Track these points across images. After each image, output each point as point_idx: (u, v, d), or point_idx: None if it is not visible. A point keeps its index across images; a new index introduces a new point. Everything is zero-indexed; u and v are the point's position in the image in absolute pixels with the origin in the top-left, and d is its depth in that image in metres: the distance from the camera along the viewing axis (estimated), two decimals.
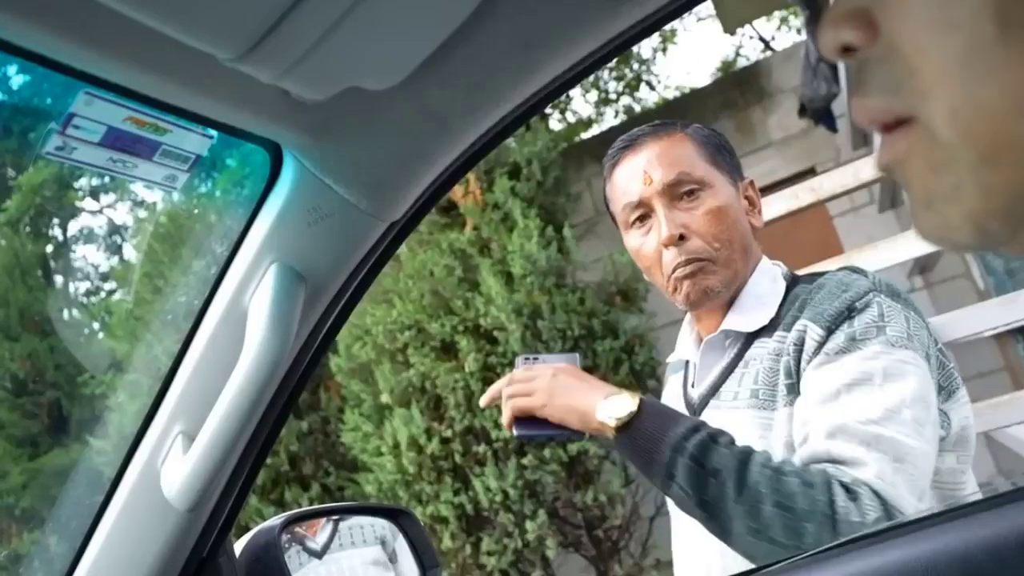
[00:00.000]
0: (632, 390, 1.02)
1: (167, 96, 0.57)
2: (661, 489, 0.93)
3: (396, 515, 1.25)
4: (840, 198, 4.22)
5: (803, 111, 4.94)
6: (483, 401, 1.08)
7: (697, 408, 1.10)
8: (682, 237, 1.04)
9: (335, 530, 1.27)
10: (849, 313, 0.96)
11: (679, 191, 1.05)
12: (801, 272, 1.14)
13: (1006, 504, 0.74)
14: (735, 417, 1.02)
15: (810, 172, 5.69)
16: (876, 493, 0.85)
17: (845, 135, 5.25)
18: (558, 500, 4.26)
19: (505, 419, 1.02)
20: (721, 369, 1.08)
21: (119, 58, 0.52)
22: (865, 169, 2.59)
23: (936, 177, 0.30)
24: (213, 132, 0.65)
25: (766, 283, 1.08)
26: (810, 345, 0.96)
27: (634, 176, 1.08)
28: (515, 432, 1.01)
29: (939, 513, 0.81)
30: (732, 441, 0.92)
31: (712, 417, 1.04)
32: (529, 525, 4.11)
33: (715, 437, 0.91)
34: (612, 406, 0.94)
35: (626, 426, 0.93)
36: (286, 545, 1.24)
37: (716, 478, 0.88)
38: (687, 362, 1.18)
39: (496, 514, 4.20)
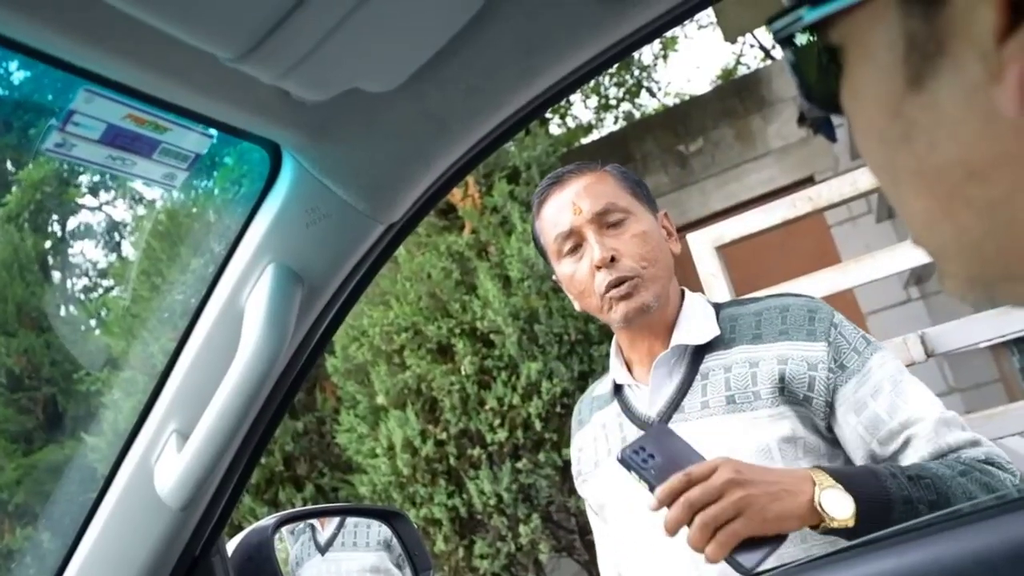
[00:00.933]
0: None
1: (167, 95, 0.57)
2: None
3: (390, 517, 1.25)
4: (838, 207, 4.22)
5: (802, 120, 4.95)
6: (670, 529, 0.90)
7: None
8: (613, 259, 1.13)
9: (341, 526, 1.27)
10: (834, 329, 1.10)
11: (607, 220, 1.15)
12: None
13: (995, 516, 0.74)
14: (708, 424, 1.09)
15: (808, 181, 5.70)
16: (997, 457, 1.02)
17: (844, 144, 5.26)
18: (552, 504, 4.26)
19: (715, 554, 0.87)
20: (677, 385, 1.15)
21: (120, 56, 0.52)
22: (863, 179, 2.60)
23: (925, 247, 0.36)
24: (213, 131, 0.65)
25: (698, 304, 1.20)
26: (814, 357, 1.08)
27: (564, 208, 1.17)
28: (742, 570, 0.86)
29: (928, 524, 0.81)
30: (909, 472, 0.96)
31: (680, 429, 1.08)
32: (523, 529, 4.11)
33: (909, 476, 0.95)
34: (836, 508, 0.90)
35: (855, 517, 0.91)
36: (296, 534, 1.24)
37: (937, 508, 0.93)
38: (620, 388, 1.23)
39: (490, 517, 4.20)
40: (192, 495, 0.77)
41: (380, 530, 1.25)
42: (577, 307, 1.22)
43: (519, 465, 4.13)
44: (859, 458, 1.07)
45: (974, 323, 2.57)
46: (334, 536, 1.26)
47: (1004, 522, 0.73)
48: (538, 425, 4.07)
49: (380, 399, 4.41)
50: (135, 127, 0.60)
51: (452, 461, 4.22)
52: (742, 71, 10.78)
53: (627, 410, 1.20)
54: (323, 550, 1.26)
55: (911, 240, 0.35)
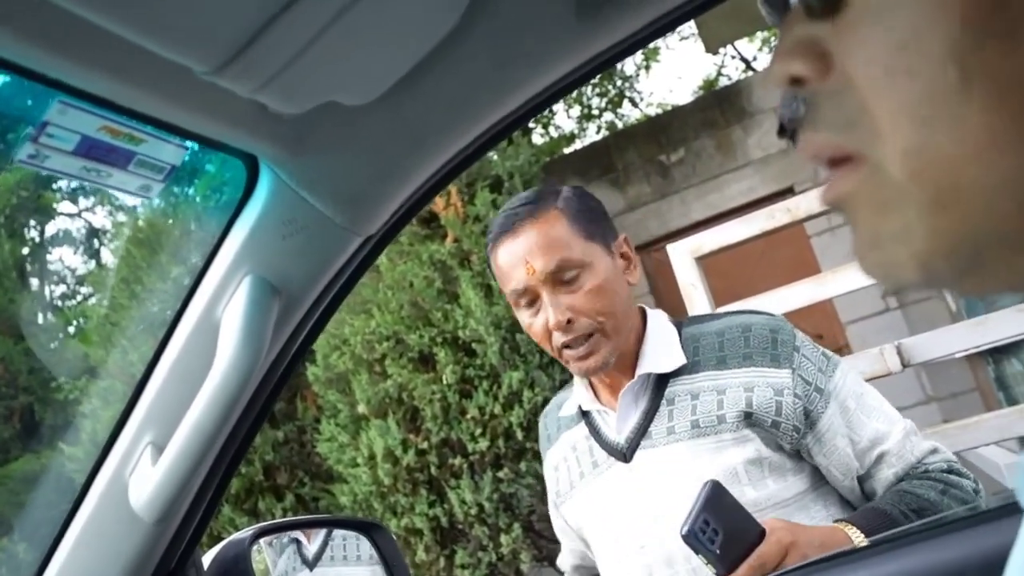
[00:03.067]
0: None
1: (143, 107, 0.56)
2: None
3: (369, 529, 1.24)
4: (817, 218, 4.26)
5: (782, 131, 4.97)
6: None
7: (627, 450, 1.15)
8: (569, 321, 1.11)
9: (327, 540, 1.26)
10: (796, 352, 1.10)
11: (561, 277, 1.11)
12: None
13: (964, 528, 0.75)
14: (675, 450, 1.10)
15: (788, 191, 5.75)
16: (952, 462, 1.11)
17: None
18: (533, 514, 4.25)
19: None
20: (643, 412, 1.15)
21: (95, 69, 0.52)
22: None
23: (883, 217, 0.30)
24: (189, 143, 0.65)
25: (661, 330, 1.18)
26: (779, 383, 1.08)
27: (516, 265, 1.13)
28: None
29: (898, 538, 0.81)
30: (908, 504, 1.04)
31: (648, 456, 1.12)
32: (504, 538, 4.10)
33: (915, 511, 1.02)
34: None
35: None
36: (281, 548, 1.23)
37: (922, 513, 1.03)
38: (586, 413, 1.22)
39: (471, 527, 4.18)
40: (167, 509, 0.76)
41: (367, 543, 1.24)
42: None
43: (500, 474, 4.12)
44: (848, 479, 1.10)
45: (951, 333, 2.60)
46: (321, 550, 1.25)
47: (975, 533, 0.74)
48: (519, 434, 4.07)
49: (361, 408, 4.39)
50: (110, 139, 0.60)
51: (433, 470, 4.21)
52: (723, 82, 10.87)
53: (596, 434, 1.20)
54: (311, 564, 1.25)
55: (913, 173, 0.28)
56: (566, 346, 1.12)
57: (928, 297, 5.21)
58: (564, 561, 1.37)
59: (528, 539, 4.21)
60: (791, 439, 1.07)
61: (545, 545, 4.34)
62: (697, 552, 0.92)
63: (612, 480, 1.16)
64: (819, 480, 1.11)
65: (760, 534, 0.93)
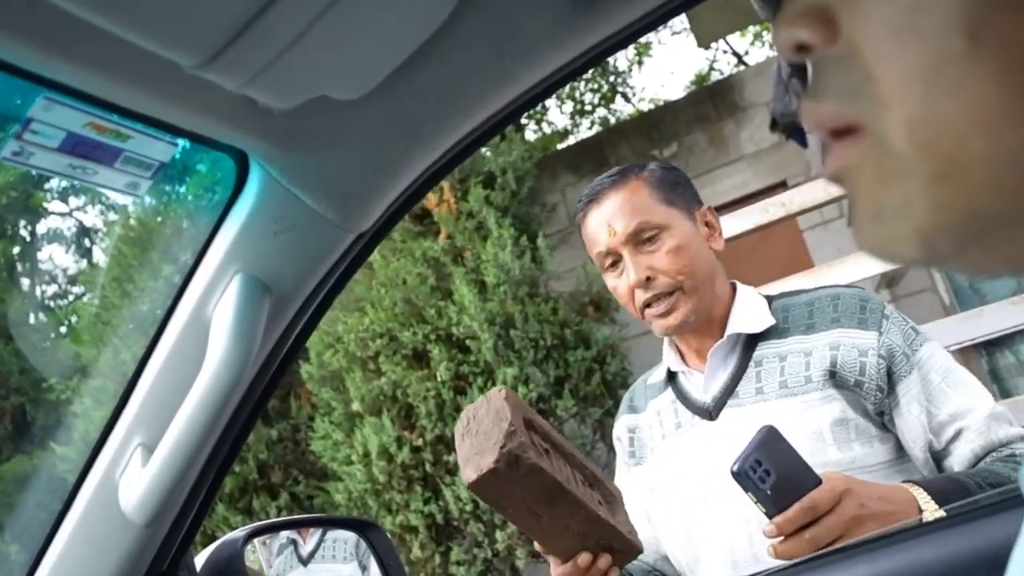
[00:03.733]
0: (603, 400, 1.05)
1: (129, 102, 0.55)
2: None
3: (362, 527, 1.23)
4: (810, 212, 4.26)
5: (774, 125, 4.98)
6: (782, 555, 0.91)
7: (713, 409, 1.18)
8: (649, 279, 1.16)
9: (322, 539, 1.27)
10: (886, 320, 1.13)
11: (641, 237, 1.17)
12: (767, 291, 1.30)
13: (964, 523, 0.75)
14: (762, 409, 1.13)
15: (781, 186, 5.75)
16: None
17: (815, 150, 5.31)
18: None
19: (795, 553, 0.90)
20: (731, 372, 1.18)
21: (80, 63, 0.51)
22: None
23: (885, 189, 0.29)
24: (177, 139, 0.63)
25: (750, 295, 1.23)
26: (865, 344, 1.10)
27: (600, 228, 1.20)
28: None
29: (898, 532, 0.81)
30: (984, 477, 0.99)
31: (734, 415, 1.15)
32: (499, 535, 4.09)
33: (992, 485, 0.97)
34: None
35: None
36: (279, 548, 1.23)
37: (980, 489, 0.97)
38: (674, 376, 1.26)
39: (466, 524, 4.18)
40: (158, 511, 0.75)
41: (359, 544, 1.24)
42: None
43: None
44: (918, 448, 1.09)
45: (944, 326, 2.60)
46: (315, 549, 1.25)
47: (972, 529, 0.73)
48: None
49: (355, 406, 4.37)
50: (96, 135, 0.58)
51: (428, 468, 4.20)
52: (715, 77, 10.87)
53: (681, 396, 1.24)
54: (305, 562, 1.26)
55: (918, 143, 0.27)
56: (647, 305, 1.17)
57: (921, 290, 5.23)
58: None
59: (523, 535, 4.21)
60: (875, 399, 1.09)
61: None
62: (747, 491, 0.91)
63: (696, 438, 1.19)
64: (906, 452, 1.12)
65: (816, 482, 0.90)
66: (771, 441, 0.92)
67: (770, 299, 1.23)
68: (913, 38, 0.26)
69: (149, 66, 0.50)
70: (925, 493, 0.94)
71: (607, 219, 1.19)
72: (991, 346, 3.11)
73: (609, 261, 1.20)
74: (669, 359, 1.27)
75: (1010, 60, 0.25)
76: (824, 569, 0.82)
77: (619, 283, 1.20)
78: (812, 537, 0.87)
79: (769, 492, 0.89)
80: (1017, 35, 0.25)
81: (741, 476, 0.90)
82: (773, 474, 0.90)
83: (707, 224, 1.24)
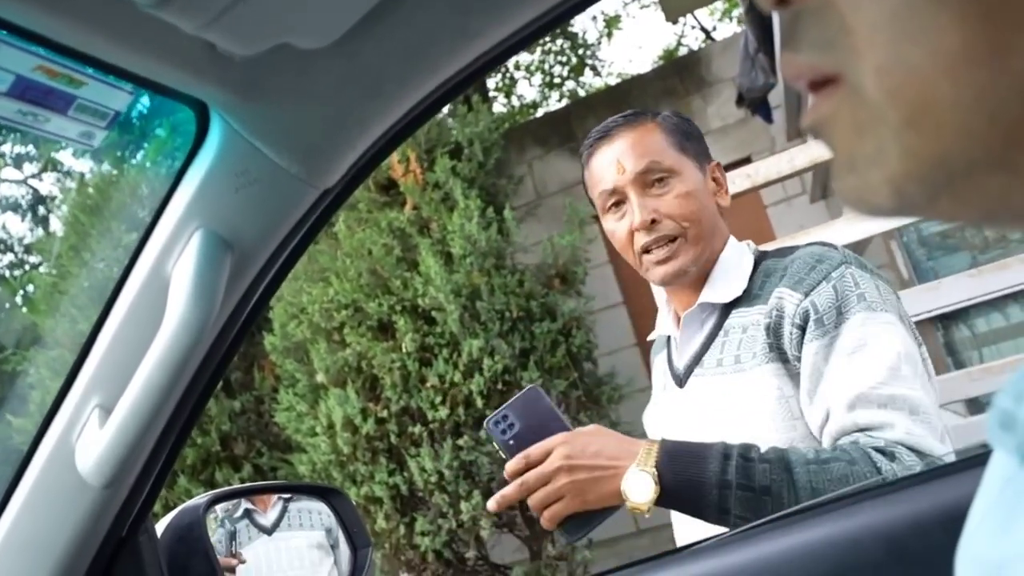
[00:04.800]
0: (568, 372, 1.05)
1: (82, 45, 0.53)
2: (718, 523, 0.94)
3: (328, 494, 1.23)
4: (773, 187, 4.29)
5: (740, 101, 5.01)
6: (492, 506, 1.02)
7: (682, 377, 1.18)
8: (654, 221, 1.13)
9: (285, 509, 1.26)
10: (826, 282, 1.03)
11: (650, 179, 1.14)
12: (767, 247, 1.25)
13: (928, 480, 0.76)
14: (720, 381, 1.10)
15: (746, 161, 5.79)
16: (910, 448, 0.94)
17: (780, 126, 5.35)
18: (493, 481, 4.27)
19: (546, 525, 0.99)
20: (702, 340, 1.16)
21: (27, 1, 0.48)
22: (799, 157, 2.64)
23: (859, 139, 0.29)
24: (134, 87, 0.61)
25: (735, 258, 1.17)
26: (790, 310, 1.04)
27: (608, 165, 1.16)
28: (565, 539, 1.01)
29: (864, 490, 0.82)
30: (760, 452, 0.95)
31: (697, 384, 1.14)
32: (464, 506, 4.11)
33: (747, 457, 0.94)
34: (635, 492, 0.94)
35: (660, 500, 0.94)
36: (237, 518, 1.22)
37: (768, 495, 0.92)
38: (668, 338, 1.27)
39: (431, 495, 4.19)
40: (116, 473, 0.73)
41: (322, 513, 1.23)
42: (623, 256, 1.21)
43: (460, 442, 4.12)
44: (814, 425, 1.03)
45: (902, 298, 2.64)
46: (279, 519, 1.24)
47: (935, 487, 0.75)
48: (480, 402, 4.07)
49: (320, 377, 4.34)
50: (47, 80, 0.56)
51: (393, 439, 4.20)
52: (683, 52, 10.87)
53: (669, 359, 1.25)
54: (270, 532, 1.25)
55: (887, 90, 0.27)
56: (646, 250, 1.14)
57: (880, 265, 5.31)
58: None
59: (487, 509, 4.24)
60: (797, 370, 1.04)
61: (505, 512, 4.38)
62: (494, 442, 1.01)
63: (668, 403, 1.21)
64: None
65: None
66: (530, 399, 1.02)
67: (760, 258, 1.18)
68: None
69: (103, 4, 0.48)
70: (656, 450, 0.95)
71: (617, 156, 1.15)
72: (947, 319, 3.18)
73: (612, 201, 1.16)
74: (662, 320, 1.27)
75: (974, 4, 0.25)
76: (787, 529, 0.83)
77: (619, 226, 1.16)
78: (522, 483, 0.97)
79: (512, 442, 1.00)
80: None
81: (488, 427, 1.01)
82: (517, 425, 1.00)
83: (715, 180, 1.21)
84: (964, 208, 0.29)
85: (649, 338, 1.34)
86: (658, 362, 1.31)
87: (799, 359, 1.03)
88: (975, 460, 0.72)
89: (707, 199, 1.17)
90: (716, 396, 1.10)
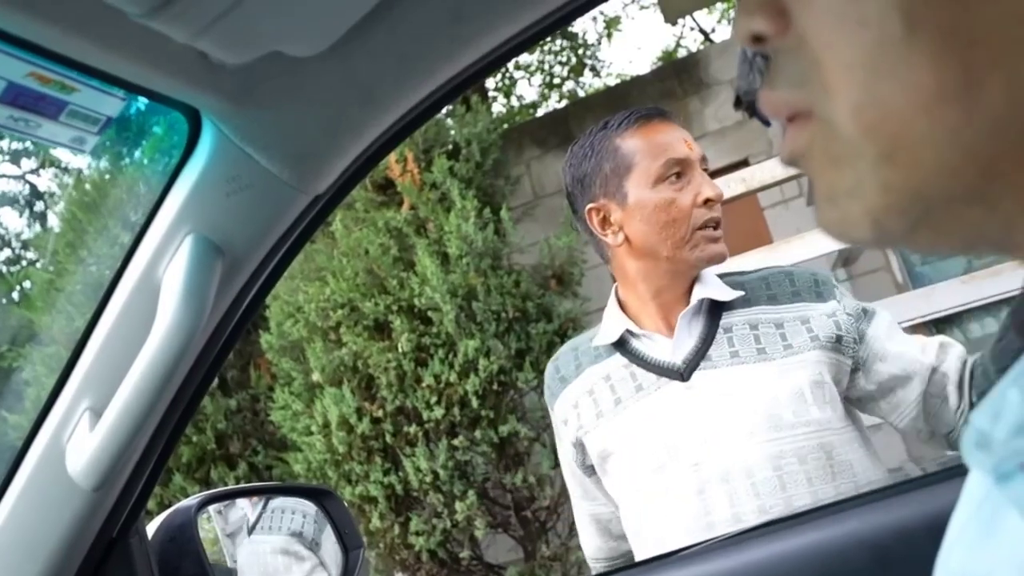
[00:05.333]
0: None
1: (74, 52, 0.53)
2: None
3: (319, 495, 1.23)
4: (770, 190, 4.29)
5: (738, 103, 5.01)
6: None
7: (684, 371, 1.19)
8: (713, 201, 1.20)
9: (263, 510, 1.26)
10: (837, 288, 1.22)
11: (704, 167, 1.23)
12: (760, 251, 1.41)
13: (914, 489, 0.77)
14: (740, 372, 1.16)
15: (743, 163, 5.80)
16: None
17: (778, 129, 5.35)
18: (488, 481, 4.27)
19: None
20: (700, 337, 1.20)
21: (20, 8, 0.48)
22: None
23: (837, 171, 0.30)
24: (126, 94, 0.61)
25: (711, 272, 1.26)
26: (830, 310, 1.19)
27: (676, 139, 1.22)
28: None
29: (850, 499, 0.83)
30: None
31: (708, 376, 1.17)
32: (458, 506, 4.11)
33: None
34: None
35: None
36: (231, 513, 1.22)
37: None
38: (622, 342, 1.26)
39: (426, 494, 4.19)
40: (106, 475, 0.73)
41: (294, 515, 1.22)
42: (652, 236, 1.22)
43: (455, 442, 4.12)
44: (914, 370, 1.17)
45: (896, 303, 2.66)
46: (258, 520, 1.24)
47: (921, 495, 0.75)
48: (475, 402, 4.07)
49: (315, 376, 4.34)
50: (39, 86, 0.56)
51: (388, 439, 4.20)
52: (682, 54, 10.88)
53: (639, 359, 1.23)
54: (250, 531, 1.25)
55: (863, 127, 0.28)
56: (708, 225, 1.19)
57: (876, 269, 5.33)
58: (588, 542, 1.40)
59: (483, 506, 4.24)
60: (852, 351, 1.17)
61: (499, 512, 4.38)
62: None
63: (664, 400, 1.19)
64: (853, 422, 1.19)
65: None
66: None
67: (720, 277, 1.27)
68: (855, 25, 0.27)
69: (94, 14, 0.48)
70: None
71: (681, 136, 1.22)
72: (942, 324, 3.19)
73: (677, 170, 1.20)
74: (621, 322, 1.25)
75: (946, 43, 0.26)
76: (775, 536, 0.84)
77: (680, 196, 1.20)
78: None
79: None
80: (951, 19, 0.25)
81: None
82: None
83: None
84: (943, 239, 0.29)
85: (596, 343, 1.29)
86: (603, 371, 1.26)
87: (855, 340, 1.18)
88: (959, 470, 0.72)
89: None
90: (741, 383, 1.15)
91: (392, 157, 4.50)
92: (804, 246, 2.62)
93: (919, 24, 0.26)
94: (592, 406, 1.25)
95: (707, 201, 1.19)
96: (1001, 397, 0.29)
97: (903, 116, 0.27)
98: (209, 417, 4.99)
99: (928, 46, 0.26)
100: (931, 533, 0.70)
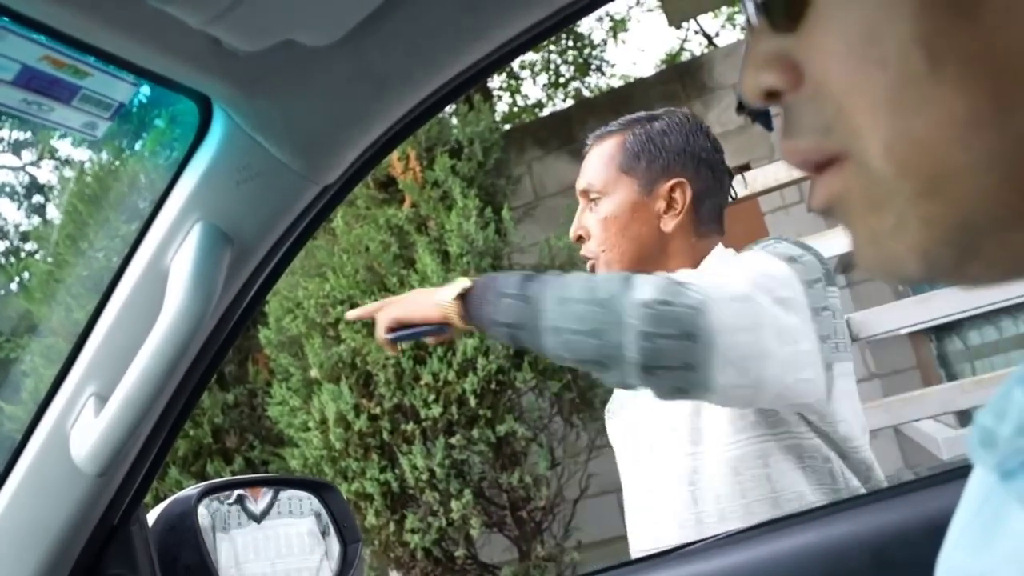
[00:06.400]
0: (562, 374, 1.08)
1: (88, 36, 0.53)
2: (506, 340, 1.00)
3: (319, 488, 1.23)
4: (771, 195, 4.30)
5: (741, 108, 5.00)
6: (351, 315, 1.23)
7: None
8: (580, 238, 1.22)
9: (275, 498, 1.27)
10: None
11: (589, 196, 1.22)
12: None
13: (914, 491, 0.77)
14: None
15: (745, 168, 5.80)
16: (689, 287, 0.88)
17: (780, 133, 5.35)
18: (484, 480, 4.27)
19: (378, 335, 1.15)
20: None
21: None
22: None
23: (876, 213, 0.29)
24: (139, 79, 0.61)
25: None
26: None
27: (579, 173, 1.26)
28: (389, 338, 1.16)
29: (850, 499, 0.83)
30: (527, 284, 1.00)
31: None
32: (454, 504, 4.11)
33: (538, 277, 0.97)
34: (449, 287, 1.04)
35: (462, 297, 1.02)
36: (230, 503, 1.23)
37: (536, 303, 0.93)
38: None
39: (422, 492, 4.19)
40: (110, 461, 0.73)
41: (311, 501, 1.24)
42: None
43: (452, 441, 4.12)
44: None
45: (895, 310, 2.66)
46: (270, 506, 1.26)
47: (920, 497, 0.76)
48: (473, 401, 4.07)
49: (314, 372, 4.34)
50: (53, 70, 0.56)
51: (385, 436, 4.19)
52: (686, 57, 10.89)
53: None
54: (259, 519, 1.26)
55: (898, 164, 0.27)
56: (584, 259, 1.23)
57: (874, 278, 5.33)
58: None
59: (479, 505, 4.24)
60: None
61: (495, 511, 4.38)
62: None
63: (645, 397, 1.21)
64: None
65: None
66: None
67: None
68: (874, 66, 0.27)
69: None
70: (462, 287, 1.02)
71: (583, 166, 1.25)
72: (941, 331, 3.19)
73: (580, 203, 1.25)
74: None
75: (971, 70, 0.26)
76: (773, 535, 0.84)
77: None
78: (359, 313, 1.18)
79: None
80: (973, 46, 0.25)
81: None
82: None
83: (668, 201, 1.17)
84: (993, 269, 0.29)
85: None
86: None
87: None
88: (961, 471, 0.72)
89: (637, 223, 1.16)
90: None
91: (394, 155, 4.50)
92: None
93: (942, 56, 0.26)
94: (622, 396, 1.30)
95: (574, 238, 1.24)
96: (1006, 396, 0.29)
97: (937, 148, 0.27)
98: (206, 411, 4.99)
99: (954, 76, 0.26)
100: (931, 534, 0.70)
